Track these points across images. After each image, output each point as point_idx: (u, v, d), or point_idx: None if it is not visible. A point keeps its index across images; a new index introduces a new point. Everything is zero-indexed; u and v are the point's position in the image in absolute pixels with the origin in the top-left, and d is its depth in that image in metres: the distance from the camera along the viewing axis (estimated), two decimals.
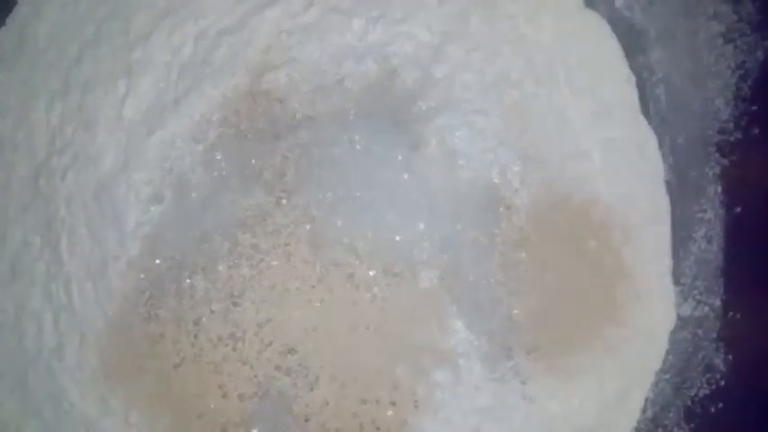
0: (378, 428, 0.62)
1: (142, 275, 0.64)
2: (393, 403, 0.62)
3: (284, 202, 0.63)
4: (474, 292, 0.63)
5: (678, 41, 0.64)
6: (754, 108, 0.58)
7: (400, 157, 0.64)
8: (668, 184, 0.65)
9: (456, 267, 0.63)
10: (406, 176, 0.63)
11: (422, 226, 0.63)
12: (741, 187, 0.59)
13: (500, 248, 0.63)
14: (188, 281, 0.63)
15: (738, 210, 0.60)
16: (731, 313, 0.59)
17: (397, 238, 0.63)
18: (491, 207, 0.63)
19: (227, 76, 0.67)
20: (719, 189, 0.61)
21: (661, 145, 0.66)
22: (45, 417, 0.65)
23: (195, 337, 0.63)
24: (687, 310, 0.63)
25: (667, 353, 0.63)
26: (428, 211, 0.63)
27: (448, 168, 0.64)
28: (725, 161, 0.61)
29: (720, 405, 0.58)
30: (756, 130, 0.58)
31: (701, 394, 0.59)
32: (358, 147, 0.64)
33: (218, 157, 0.65)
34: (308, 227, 0.63)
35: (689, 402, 0.60)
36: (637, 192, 0.65)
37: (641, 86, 0.66)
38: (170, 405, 0.63)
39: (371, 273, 0.62)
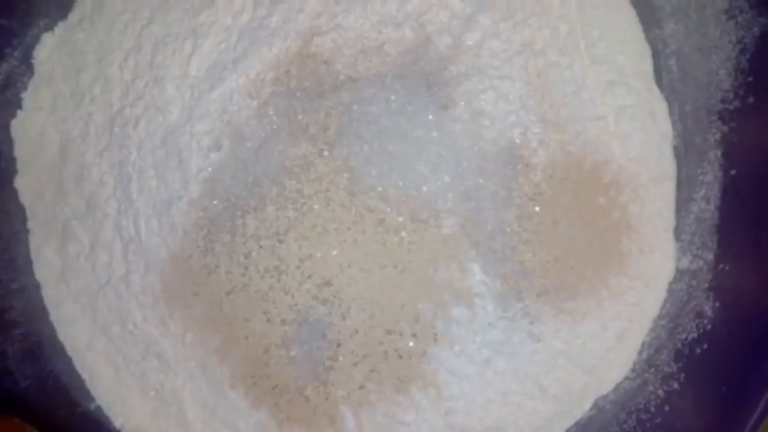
0: (400, 356, 0.68)
1: (201, 213, 0.70)
2: (414, 335, 0.68)
3: (326, 153, 0.68)
4: (491, 240, 0.67)
5: (689, 17, 0.67)
6: (750, 79, 0.61)
7: (431, 117, 0.68)
8: (675, 148, 0.69)
9: (476, 216, 0.67)
10: (435, 134, 0.68)
11: (447, 178, 0.67)
12: (738, 152, 0.63)
13: (517, 201, 0.68)
14: (240, 219, 0.69)
15: (734, 172, 0.64)
16: (722, 265, 0.63)
17: (425, 188, 0.67)
18: (511, 164, 0.68)
19: (281, 39, 0.71)
20: (719, 153, 0.65)
21: (671, 112, 0.69)
22: (112, 335, 0.73)
23: (245, 268, 0.69)
24: (685, 263, 0.67)
25: (665, 301, 0.68)
26: (453, 165, 0.67)
27: (473, 128, 0.68)
28: (725, 128, 0.64)
29: (705, 346, 0.62)
30: (752, 99, 0.61)
31: (689, 338, 0.64)
32: (393, 106, 0.68)
33: (270, 112, 0.70)
34: (346, 176, 0.68)
35: (679, 345, 0.65)
36: (647, 154, 0.69)
37: (656, 57, 0.70)
38: (221, 327, 0.70)
39: (400, 218, 0.67)
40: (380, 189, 0.68)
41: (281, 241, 0.68)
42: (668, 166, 0.69)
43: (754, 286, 0.59)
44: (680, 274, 0.68)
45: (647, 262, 0.68)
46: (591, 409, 0.69)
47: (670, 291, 0.68)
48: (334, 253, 0.68)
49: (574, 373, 0.69)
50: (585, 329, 0.68)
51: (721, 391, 0.58)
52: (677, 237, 0.69)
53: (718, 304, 0.63)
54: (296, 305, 0.69)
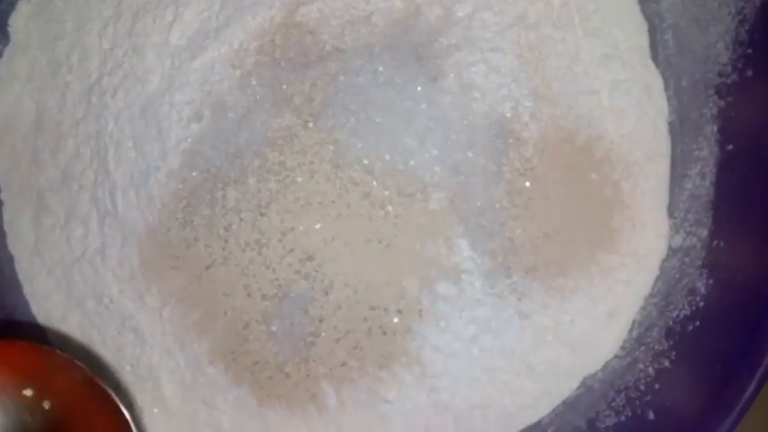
0: (384, 333, 0.67)
1: (180, 185, 0.68)
2: (399, 311, 0.67)
3: (311, 124, 0.67)
4: (480, 215, 0.66)
5: None
6: (750, 51, 0.60)
7: (419, 89, 0.67)
8: (670, 124, 0.68)
9: (465, 191, 0.66)
10: (423, 106, 0.66)
11: (435, 152, 0.66)
12: (735, 126, 0.62)
13: (507, 177, 0.66)
14: (221, 192, 0.67)
15: (730, 147, 0.63)
16: (716, 242, 0.62)
17: (412, 162, 0.66)
18: (501, 138, 0.66)
19: (265, 8, 0.70)
20: (715, 128, 0.64)
21: (666, 87, 0.68)
22: (87, 309, 0.71)
23: (225, 241, 0.67)
24: (678, 240, 0.66)
25: (656, 279, 0.67)
26: (442, 138, 0.66)
27: (463, 101, 0.66)
28: (722, 102, 0.63)
29: (698, 323, 0.61)
30: (750, 72, 0.60)
31: (682, 315, 0.63)
32: (381, 78, 0.67)
33: (254, 83, 0.68)
34: (331, 148, 0.66)
35: (670, 323, 0.64)
36: (641, 130, 0.67)
37: (652, 32, 0.69)
38: (200, 302, 0.69)
39: (386, 192, 0.66)
40: (366, 162, 0.66)
41: (262, 214, 0.67)
42: (663, 143, 0.68)
43: (749, 263, 0.58)
44: (672, 251, 0.67)
45: (640, 239, 0.67)
46: (578, 387, 0.68)
47: (662, 268, 0.67)
48: (318, 227, 0.67)
49: (562, 351, 0.67)
50: (574, 307, 0.67)
51: (714, 369, 0.57)
52: (670, 214, 0.68)
53: (711, 281, 0.62)
54: (277, 279, 0.67)
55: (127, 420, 0.65)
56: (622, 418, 0.64)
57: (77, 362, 0.66)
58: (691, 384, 0.60)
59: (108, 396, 0.65)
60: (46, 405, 0.65)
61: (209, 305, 0.68)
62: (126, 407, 0.65)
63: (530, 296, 0.66)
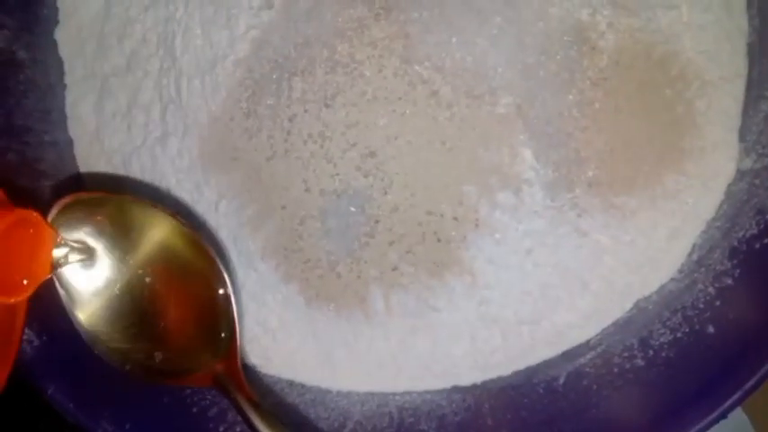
0: (439, 240, 0.66)
1: (247, 74, 0.67)
2: (455, 218, 0.66)
3: (382, 17, 0.65)
4: (547, 124, 0.65)
5: None
6: None
7: None
8: (750, 45, 0.66)
9: (534, 97, 0.65)
10: (499, 5, 0.64)
11: (507, 54, 0.64)
12: None
13: (578, 85, 0.65)
14: (287, 81, 0.66)
15: None
16: None
17: (483, 62, 0.64)
18: (576, 45, 0.64)
19: None
20: None
21: (749, 5, 0.66)
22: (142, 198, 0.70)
23: (288, 133, 0.67)
24: (748, 163, 0.65)
25: (722, 203, 0.65)
26: (516, 40, 0.64)
27: (540, 3, 0.65)
28: None
29: (766, 241, 0.60)
30: None
31: (748, 234, 0.62)
32: None
33: None
34: (401, 42, 0.65)
35: (735, 243, 0.63)
36: (719, 49, 0.65)
37: None
38: (257, 196, 0.68)
39: (454, 93, 0.65)
40: (436, 59, 0.65)
41: (327, 106, 0.66)
42: (740, 63, 0.66)
43: None
44: (741, 174, 0.65)
45: (708, 161, 0.65)
46: (631, 309, 0.67)
47: (729, 192, 0.65)
48: (382, 123, 0.66)
49: (617, 271, 0.67)
50: (635, 226, 0.66)
51: None
52: (742, 137, 0.66)
53: None
54: (337, 174, 0.67)
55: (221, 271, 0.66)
56: (678, 335, 0.63)
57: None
58: (756, 297, 0.58)
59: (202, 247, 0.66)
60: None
61: (266, 199, 0.68)
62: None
63: (590, 212, 0.65)
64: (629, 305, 0.67)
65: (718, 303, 0.61)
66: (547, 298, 0.67)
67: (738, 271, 0.61)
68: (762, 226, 0.61)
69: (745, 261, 0.61)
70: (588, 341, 0.68)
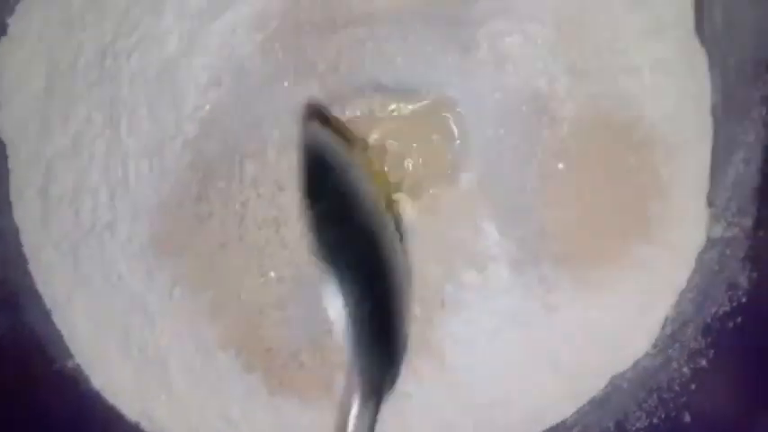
0: None
1: (197, 156, 0.65)
2: (421, 299, 0.64)
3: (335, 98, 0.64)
4: (509, 198, 0.63)
5: None
6: None
7: (450, 59, 0.63)
8: (714, 106, 0.64)
9: (495, 172, 0.63)
10: (454, 78, 0.63)
11: (465, 127, 0.63)
12: None
13: (539, 157, 0.63)
14: (239, 164, 0.64)
15: None
16: (761, 233, 0.59)
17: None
18: (535, 116, 0.63)
19: None
20: (764, 111, 0.60)
21: (711, 66, 0.64)
22: (94, 287, 0.68)
23: (241, 218, 0.65)
24: (718, 231, 0.63)
25: (693, 272, 0.63)
26: (473, 114, 0.63)
27: (496, 73, 0.63)
28: None
29: (739, 320, 0.58)
30: None
31: (721, 311, 0.60)
32: (411, 45, 0.63)
33: (276, 47, 0.65)
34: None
35: (708, 319, 0.61)
36: (682, 112, 0.64)
37: (697, 7, 0.64)
38: (212, 283, 0.66)
39: None
40: None
41: (281, 189, 0.64)
42: (705, 126, 0.64)
43: None
44: (711, 242, 0.63)
45: (676, 230, 0.63)
46: (606, 386, 0.65)
47: (700, 261, 0.63)
48: None
49: (589, 347, 0.64)
50: (605, 301, 0.64)
51: (756, 370, 0.54)
52: (711, 202, 0.64)
53: (755, 275, 0.58)
54: (294, 261, 0.64)
55: None
56: (654, 420, 0.61)
57: None
58: (731, 386, 0.56)
59: None
60: None
61: (221, 287, 0.66)
62: None
63: (558, 288, 0.63)
64: (603, 383, 0.65)
65: (693, 387, 0.59)
66: (518, 378, 0.65)
67: (712, 352, 0.59)
68: (734, 303, 0.59)
69: (719, 341, 0.59)
70: (564, 421, 0.65)
